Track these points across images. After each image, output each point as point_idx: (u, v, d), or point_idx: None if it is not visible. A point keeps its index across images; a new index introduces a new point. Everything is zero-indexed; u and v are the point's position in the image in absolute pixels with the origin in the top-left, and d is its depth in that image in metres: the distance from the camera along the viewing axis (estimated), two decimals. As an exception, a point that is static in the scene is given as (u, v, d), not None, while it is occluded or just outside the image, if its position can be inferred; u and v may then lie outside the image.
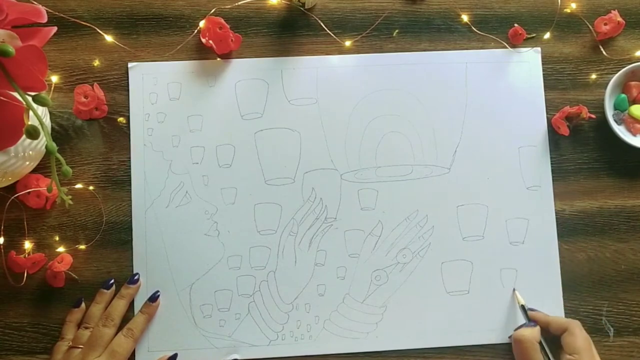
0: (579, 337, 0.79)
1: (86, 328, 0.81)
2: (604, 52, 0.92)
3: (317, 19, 0.90)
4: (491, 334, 0.87)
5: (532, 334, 0.80)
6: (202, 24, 0.88)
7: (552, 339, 0.81)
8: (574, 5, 0.92)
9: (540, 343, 0.80)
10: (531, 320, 0.83)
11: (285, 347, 0.86)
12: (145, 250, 0.86)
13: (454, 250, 0.89)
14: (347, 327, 0.86)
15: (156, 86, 0.89)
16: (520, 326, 0.83)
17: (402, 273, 0.88)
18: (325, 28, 0.90)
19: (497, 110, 0.91)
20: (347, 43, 0.91)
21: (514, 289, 0.87)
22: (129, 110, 0.88)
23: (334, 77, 0.90)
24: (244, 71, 0.90)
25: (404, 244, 0.88)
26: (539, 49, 0.92)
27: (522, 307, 0.86)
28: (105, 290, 0.84)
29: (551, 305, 0.88)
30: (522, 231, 0.89)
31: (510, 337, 0.85)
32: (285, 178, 0.88)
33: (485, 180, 0.90)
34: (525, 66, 0.92)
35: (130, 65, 0.89)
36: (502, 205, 0.89)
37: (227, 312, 0.86)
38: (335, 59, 0.91)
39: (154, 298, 0.84)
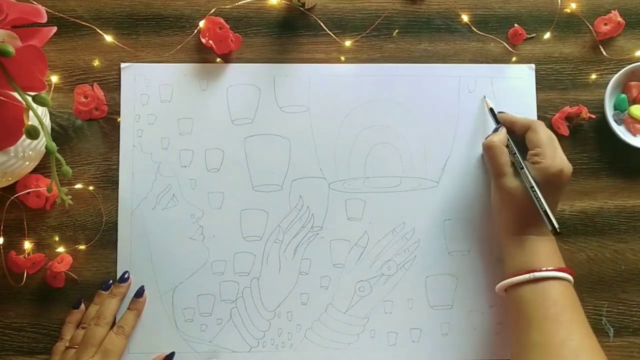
0: (541, 133, 0.80)
1: (83, 328, 0.82)
2: (604, 52, 0.92)
3: (317, 19, 0.90)
4: (474, 349, 0.87)
5: (500, 138, 0.82)
6: (202, 24, 0.88)
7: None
8: (574, 5, 0.92)
9: (508, 146, 0.82)
10: (498, 123, 0.86)
11: (265, 355, 0.85)
12: (129, 251, 0.86)
13: (439, 264, 0.88)
14: (329, 337, 0.86)
15: (148, 88, 0.88)
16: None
17: (386, 285, 0.87)
18: (325, 28, 0.90)
19: (489, 126, 0.90)
20: (347, 43, 0.91)
21: (484, 96, 0.90)
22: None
23: (326, 86, 0.90)
24: (236, 76, 0.90)
25: (389, 256, 0.88)
26: (533, 65, 0.92)
27: (491, 110, 0.87)
28: (103, 292, 0.84)
29: None
30: None
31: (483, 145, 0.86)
32: (273, 185, 0.88)
33: (474, 195, 0.89)
34: (518, 82, 0.91)
35: (122, 65, 0.89)
36: (489, 221, 0.89)
37: (209, 317, 0.86)
38: (328, 67, 0.91)
39: (139, 293, 0.84)
